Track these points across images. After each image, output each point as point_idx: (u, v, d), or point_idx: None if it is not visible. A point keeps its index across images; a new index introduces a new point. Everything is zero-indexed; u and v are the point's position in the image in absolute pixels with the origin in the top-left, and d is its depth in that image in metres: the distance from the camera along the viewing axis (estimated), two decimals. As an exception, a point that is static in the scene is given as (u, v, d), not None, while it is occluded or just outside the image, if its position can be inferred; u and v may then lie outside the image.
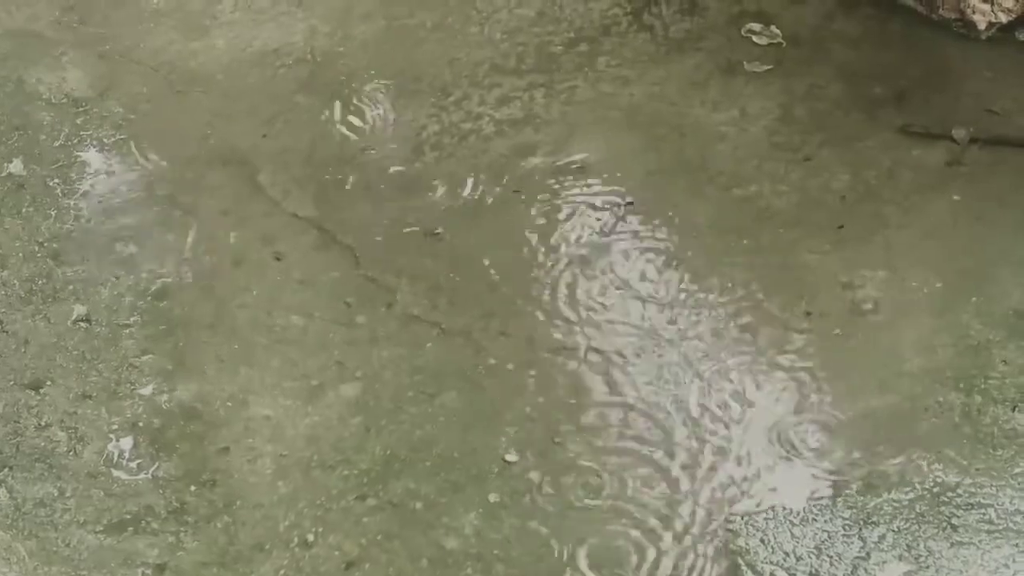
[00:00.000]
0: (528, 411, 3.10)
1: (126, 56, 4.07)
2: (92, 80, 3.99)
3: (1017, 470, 2.93)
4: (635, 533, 2.88)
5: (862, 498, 2.91)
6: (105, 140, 3.80)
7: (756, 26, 3.99)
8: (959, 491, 2.90)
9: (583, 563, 2.84)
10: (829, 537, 2.85)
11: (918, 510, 2.88)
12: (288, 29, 4.13)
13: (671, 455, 3.01)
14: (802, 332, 3.22)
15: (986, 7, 3.82)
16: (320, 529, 2.92)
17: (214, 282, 3.43)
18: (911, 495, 2.90)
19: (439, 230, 3.51)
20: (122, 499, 3.00)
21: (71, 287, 3.41)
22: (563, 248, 3.44)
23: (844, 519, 2.88)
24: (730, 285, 3.33)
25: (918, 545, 2.82)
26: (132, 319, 3.34)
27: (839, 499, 2.91)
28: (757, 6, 4.05)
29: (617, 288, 3.34)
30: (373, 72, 3.97)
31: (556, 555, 2.86)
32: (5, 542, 2.92)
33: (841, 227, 3.45)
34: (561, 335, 3.25)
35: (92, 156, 3.75)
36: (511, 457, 3.02)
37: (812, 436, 3.02)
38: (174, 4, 4.24)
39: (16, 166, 3.72)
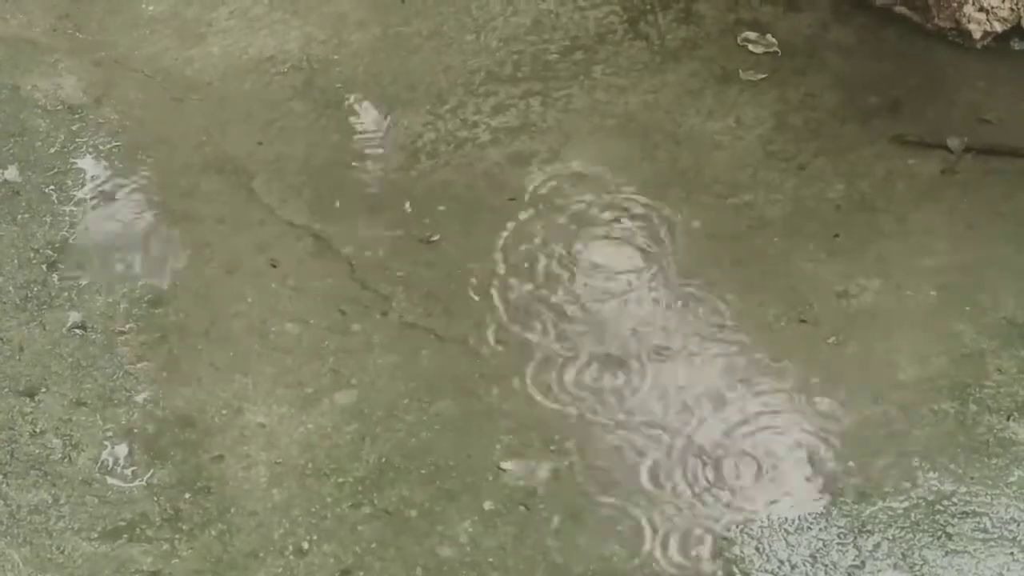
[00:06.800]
0: (523, 419, 3.10)
1: (121, 63, 4.07)
2: (87, 87, 3.99)
3: (1012, 479, 2.93)
4: (629, 541, 2.88)
5: (857, 506, 2.91)
6: (101, 147, 3.80)
7: (752, 35, 4.00)
8: (954, 499, 2.90)
9: (578, 572, 2.84)
10: (824, 545, 2.86)
11: (913, 519, 2.88)
12: (283, 36, 4.13)
13: (665, 463, 3.01)
14: (797, 341, 3.22)
15: (981, 16, 3.83)
16: (314, 537, 2.92)
17: (209, 289, 3.42)
18: (906, 504, 2.91)
19: (435, 238, 3.51)
20: (116, 506, 2.99)
21: (66, 294, 3.41)
22: (559, 256, 3.44)
23: (839, 527, 2.88)
24: (725, 293, 3.33)
25: (913, 554, 2.82)
26: (127, 326, 3.34)
27: (834, 508, 2.91)
28: (753, 15, 4.06)
29: (612, 296, 3.35)
30: (368, 79, 3.98)
31: (551, 564, 2.86)
32: (-1, 549, 2.92)
33: (836, 236, 3.45)
34: (557, 343, 3.25)
35: (88, 163, 3.75)
36: (507, 465, 3.02)
37: (806, 445, 3.03)
38: (170, 11, 4.24)
39: (11, 173, 3.71)
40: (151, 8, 4.25)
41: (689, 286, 3.35)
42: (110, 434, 3.12)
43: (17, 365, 3.27)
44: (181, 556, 2.91)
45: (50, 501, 3.00)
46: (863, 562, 2.82)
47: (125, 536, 2.94)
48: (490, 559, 2.87)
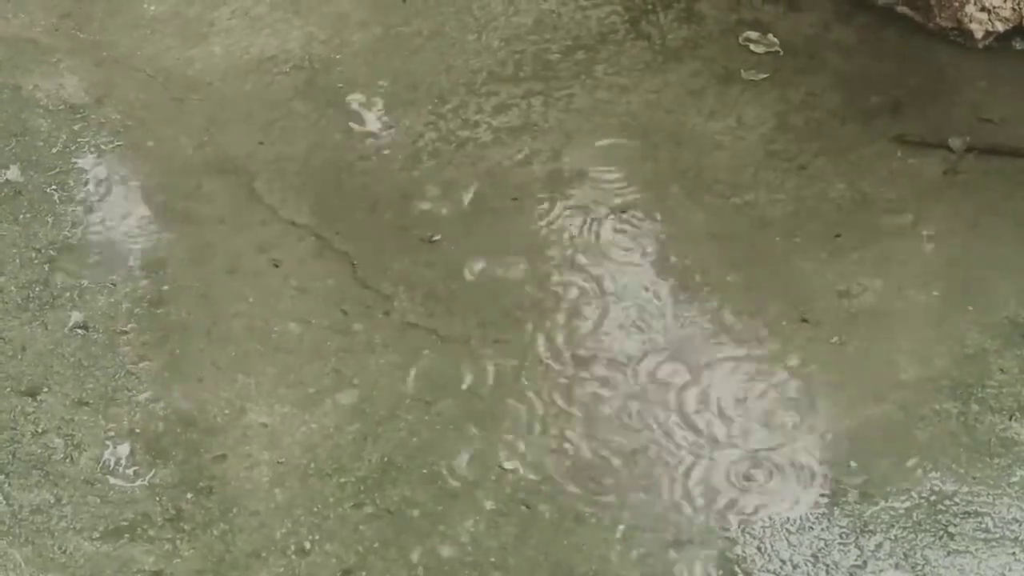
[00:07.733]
0: (525, 419, 3.10)
1: (123, 63, 4.07)
2: (89, 87, 3.99)
3: (1014, 479, 2.93)
4: (631, 541, 2.88)
5: (859, 506, 2.91)
6: (102, 147, 3.80)
7: (753, 34, 4.00)
8: (956, 499, 2.90)
9: (580, 572, 2.84)
10: (826, 545, 2.86)
11: (915, 518, 2.88)
12: (285, 36, 4.13)
13: (667, 463, 3.01)
14: (799, 341, 3.22)
15: (983, 16, 3.83)
16: (317, 537, 2.92)
17: (211, 289, 3.42)
18: (908, 503, 2.91)
19: (436, 237, 3.51)
20: (118, 506, 3.00)
21: (68, 294, 3.41)
22: (560, 256, 3.44)
23: (841, 527, 2.88)
24: (726, 293, 3.33)
25: (915, 553, 2.82)
26: (129, 326, 3.34)
27: (836, 507, 2.91)
28: (754, 15, 4.06)
29: (613, 296, 3.35)
30: (370, 79, 3.98)
31: (553, 564, 2.86)
32: (1, 548, 2.92)
33: (838, 236, 3.45)
34: (558, 343, 3.25)
35: (89, 163, 3.75)
36: (508, 465, 3.02)
37: (809, 444, 3.03)
38: (171, 11, 4.24)
39: (13, 173, 3.72)
40: (153, 8, 4.25)
41: (690, 287, 3.35)
42: (112, 434, 3.12)
43: (19, 365, 3.27)
44: (183, 556, 2.91)
45: (52, 501, 3.01)
46: (865, 562, 2.82)
47: (127, 536, 2.95)
48: (492, 559, 2.87)
